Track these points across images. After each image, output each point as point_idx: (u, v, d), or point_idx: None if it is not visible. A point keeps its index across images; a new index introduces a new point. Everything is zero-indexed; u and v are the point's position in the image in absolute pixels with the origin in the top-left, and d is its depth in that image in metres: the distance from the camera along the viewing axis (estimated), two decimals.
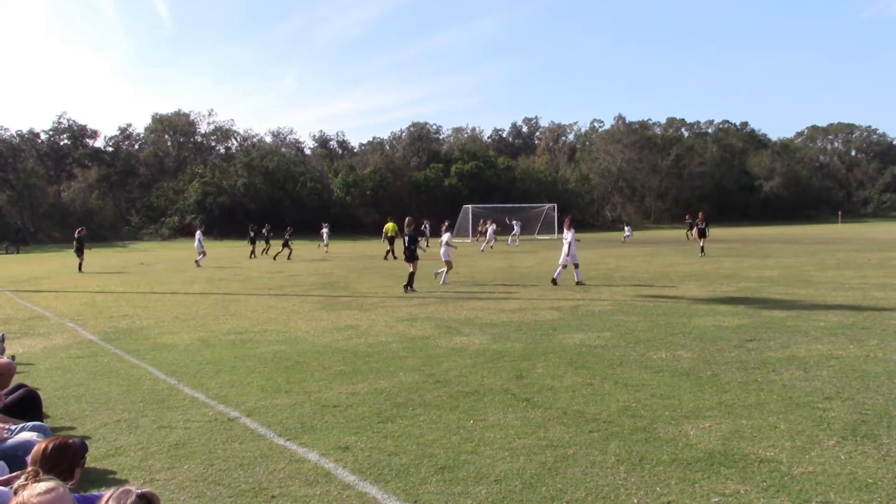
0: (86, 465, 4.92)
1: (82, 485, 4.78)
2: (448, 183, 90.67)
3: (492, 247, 44.34)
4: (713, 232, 47.89)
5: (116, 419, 7.16)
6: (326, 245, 47.44)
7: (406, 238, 19.47)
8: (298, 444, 6.22)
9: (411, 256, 19.21)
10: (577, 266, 19.86)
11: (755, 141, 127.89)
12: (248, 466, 5.67)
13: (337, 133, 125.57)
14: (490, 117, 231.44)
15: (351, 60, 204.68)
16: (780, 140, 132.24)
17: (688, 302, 15.32)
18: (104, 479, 5.47)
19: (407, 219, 20.09)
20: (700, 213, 33.87)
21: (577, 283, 19.38)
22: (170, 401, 7.87)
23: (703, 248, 32.22)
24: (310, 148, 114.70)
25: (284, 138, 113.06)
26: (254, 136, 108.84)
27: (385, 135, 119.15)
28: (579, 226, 54.15)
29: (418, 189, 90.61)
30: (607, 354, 9.77)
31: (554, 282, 19.68)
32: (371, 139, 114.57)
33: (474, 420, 6.75)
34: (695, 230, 33.91)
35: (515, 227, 51.63)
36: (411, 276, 19.16)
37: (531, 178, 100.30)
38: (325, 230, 48.04)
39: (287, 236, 39.09)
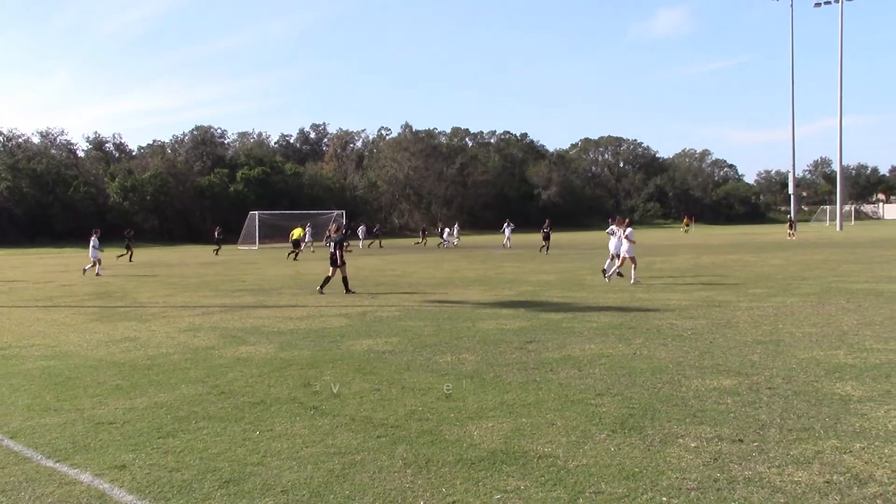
0: None
1: None
2: (234, 189, 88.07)
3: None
4: (500, 239, 52.09)
5: None
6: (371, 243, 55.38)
7: (332, 243, 19.63)
8: (69, 465, 5.80)
9: (335, 261, 19.26)
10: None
11: (534, 151, 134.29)
12: (12, 493, 5.22)
13: (114, 135, 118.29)
14: (277, 123, 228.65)
15: (130, 60, 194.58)
16: (556, 151, 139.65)
17: (472, 306, 15.81)
18: None
19: (335, 225, 20.41)
20: (546, 221, 40.17)
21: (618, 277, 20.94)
22: None
23: (544, 248, 38.59)
24: (83, 150, 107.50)
25: (55, 139, 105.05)
26: (19, 137, 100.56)
27: (166, 138, 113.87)
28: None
29: (202, 194, 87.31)
30: (395, 360, 9.89)
31: (619, 274, 20.79)
32: (151, 142, 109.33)
33: (261, 431, 6.60)
34: (541, 234, 39.62)
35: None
36: (327, 279, 19.45)
37: (319, 184, 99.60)
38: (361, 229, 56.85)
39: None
